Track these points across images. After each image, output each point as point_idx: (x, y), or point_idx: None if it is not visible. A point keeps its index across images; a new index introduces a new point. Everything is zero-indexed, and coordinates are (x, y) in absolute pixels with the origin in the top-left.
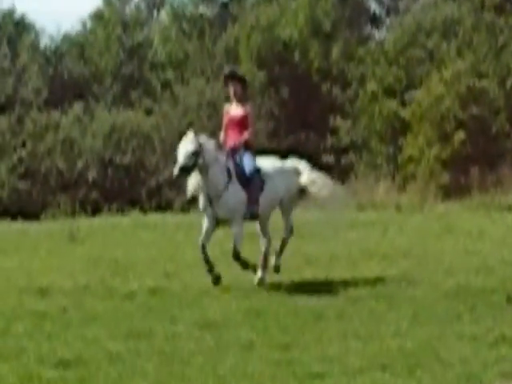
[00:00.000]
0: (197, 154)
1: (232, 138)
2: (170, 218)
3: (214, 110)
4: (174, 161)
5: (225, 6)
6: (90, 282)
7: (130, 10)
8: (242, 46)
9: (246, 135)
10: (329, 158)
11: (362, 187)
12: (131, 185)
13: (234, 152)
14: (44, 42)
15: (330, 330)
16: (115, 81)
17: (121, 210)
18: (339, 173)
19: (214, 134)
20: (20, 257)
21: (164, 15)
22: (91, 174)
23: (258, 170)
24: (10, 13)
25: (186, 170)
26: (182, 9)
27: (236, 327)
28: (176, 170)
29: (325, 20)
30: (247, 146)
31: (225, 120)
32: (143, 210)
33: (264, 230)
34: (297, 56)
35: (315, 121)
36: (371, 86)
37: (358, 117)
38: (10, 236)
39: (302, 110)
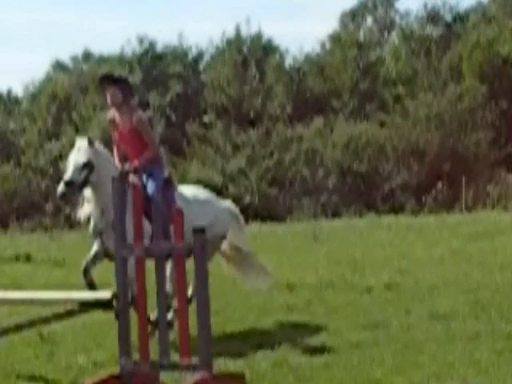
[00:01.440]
0: (89, 166)
1: (132, 157)
2: (402, 220)
3: (442, 122)
4: (401, 169)
5: (449, 26)
6: (331, 277)
7: (363, 32)
8: (464, 63)
9: (145, 153)
10: None
11: None
12: (367, 190)
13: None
14: (288, 62)
15: None
16: (352, 96)
17: (358, 213)
18: None
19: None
20: (270, 255)
21: (394, 36)
22: (331, 181)
23: (170, 196)
24: (257, 37)
25: (72, 186)
26: (410, 30)
27: (463, 319)
28: (60, 187)
29: None
30: (153, 164)
31: (114, 133)
32: (378, 213)
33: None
34: None
35: None
36: None
37: None
38: (260, 236)
39: None
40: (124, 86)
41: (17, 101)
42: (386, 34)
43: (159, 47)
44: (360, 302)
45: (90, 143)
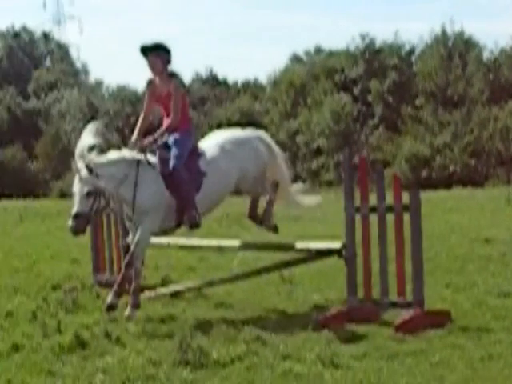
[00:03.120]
0: (93, 195)
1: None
2: None
3: None
4: None
5: None
6: None
7: None
8: None
9: (166, 122)
10: None
11: None
12: None
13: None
14: (485, 55)
15: None
16: None
17: None
18: None
19: None
20: (469, 214)
21: None
22: None
23: (193, 165)
24: (460, 34)
25: (81, 217)
26: None
27: None
28: (70, 221)
29: None
30: (176, 131)
31: (147, 98)
32: None
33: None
34: None
35: None
36: None
37: None
38: (462, 198)
39: None
40: (163, 55)
41: (261, 87)
42: None
43: (378, 43)
44: None
45: (90, 171)
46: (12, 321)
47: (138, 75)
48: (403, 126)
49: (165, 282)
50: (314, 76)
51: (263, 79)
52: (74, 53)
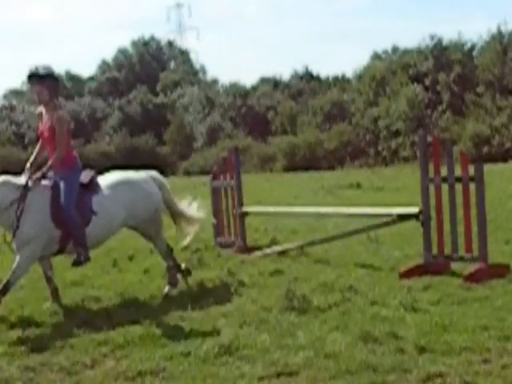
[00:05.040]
0: None
1: (50, 154)
2: None
3: None
4: None
5: None
6: None
7: None
8: None
9: (54, 154)
10: None
11: None
12: None
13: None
14: None
15: None
16: None
17: None
18: None
19: None
20: None
21: None
22: None
23: (86, 201)
24: None
25: None
26: None
27: None
28: None
29: None
30: (65, 168)
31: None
32: None
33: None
34: None
35: None
36: None
37: None
38: None
39: None
40: (50, 84)
41: (348, 81)
42: None
43: (445, 41)
44: None
45: None
46: (149, 276)
47: (247, 73)
48: (467, 110)
49: (272, 243)
50: (391, 70)
51: (349, 74)
52: (193, 56)
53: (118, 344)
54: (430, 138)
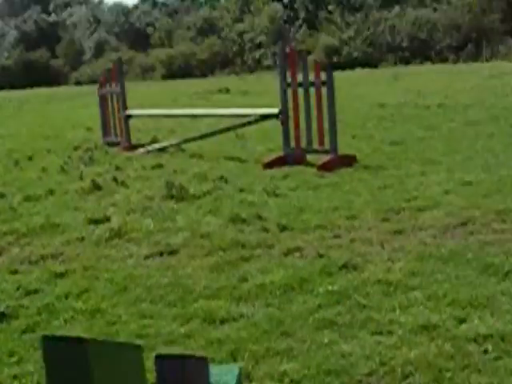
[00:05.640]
0: None
1: None
2: (447, 67)
3: (471, 8)
4: (446, 36)
5: None
6: (405, 100)
7: None
8: None
9: None
10: None
11: None
12: (426, 48)
13: None
14: None
15: None
16: None
17: (420, 62)
18: None
19: None
20: (368, 87)
21: None
22: (404, 43)
23: None
24: None
25: None
26: None
27: (485, 124)
28: None
29: None
30: None
31: None
32: (432, 62)
33: None
34: None
35: None
36: None
37: None
38: (362, 76)
39: None
40: None
41: (218, 0)
42: None
43: None
44: (423, 114)
45: None
46: (47, 173)
47: None
48: (320, 25)
49: (153, 141)
50: None
51: None
52: None
53: (21, 233)
54: (287, 49)
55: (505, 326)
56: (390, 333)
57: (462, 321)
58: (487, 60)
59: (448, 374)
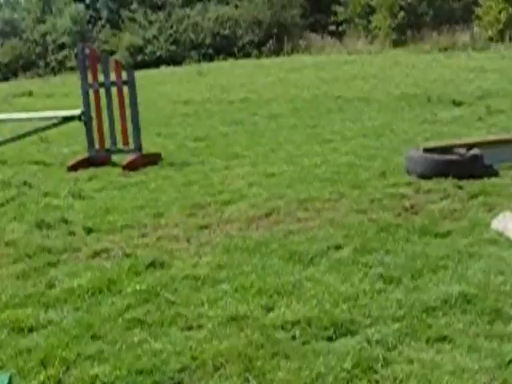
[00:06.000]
0: None
1: None
2: (250, 62)
3: (272, 4)
4: (248, 32)
5: None
6: (209, 96)
7: None
8: None
9: None
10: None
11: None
12: (230, 44)
13: None
14: None
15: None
16: None
17: (224, 59)
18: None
19: None
20: (172, 85)
21: None
22: (207, 40)
23: None
24: None
25: None
26: None
27: (287, 117)
28: None
29: None
30: None
31: None
32: (236, 58)
33: None
34: None
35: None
36: None
37: (348, 4)
38: (166, 74)
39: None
40: None
41: (17, 1)
42: None
43: None
44: (226, 109)
45: None
46: None
47: None
48: (123, 24)
49: None
50: None
51: None
52: None
53: None
54: (87, 50)
55: (311, 311)
56: (200, 327)
57: (269, 309)
58: (288, 54)
59: (258, 363)
